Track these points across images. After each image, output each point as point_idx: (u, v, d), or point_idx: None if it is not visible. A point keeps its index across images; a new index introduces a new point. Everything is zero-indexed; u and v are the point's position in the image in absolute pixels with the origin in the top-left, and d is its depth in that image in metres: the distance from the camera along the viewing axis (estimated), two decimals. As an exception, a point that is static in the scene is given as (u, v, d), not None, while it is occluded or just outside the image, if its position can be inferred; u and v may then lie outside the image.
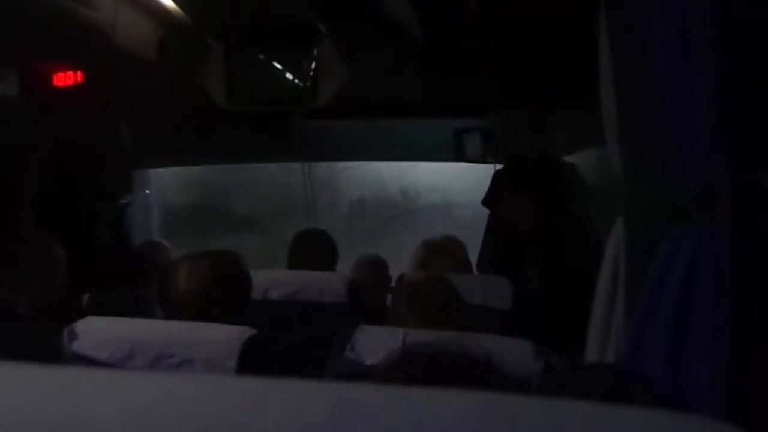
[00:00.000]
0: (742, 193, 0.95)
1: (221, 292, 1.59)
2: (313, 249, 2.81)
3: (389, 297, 3.00)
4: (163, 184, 4.59)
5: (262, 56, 3.27)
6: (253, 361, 1.38)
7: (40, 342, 1.48)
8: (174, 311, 1.56)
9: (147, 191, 4.34)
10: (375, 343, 1.34)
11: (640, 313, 1.01)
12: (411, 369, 0.77)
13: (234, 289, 1.65)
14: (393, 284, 3.23)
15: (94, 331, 1.37)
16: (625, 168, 1.22)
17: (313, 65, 3.27)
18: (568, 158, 3.47)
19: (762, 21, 1.12)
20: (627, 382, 0.81)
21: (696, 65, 1.09)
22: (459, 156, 3.74)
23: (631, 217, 1.20)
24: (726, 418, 0.85)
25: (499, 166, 3.55)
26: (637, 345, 0.99)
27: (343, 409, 0.29)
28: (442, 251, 2.65)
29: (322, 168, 4.53)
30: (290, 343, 2.04)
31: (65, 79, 2.76)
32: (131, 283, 2.59)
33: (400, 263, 2.87)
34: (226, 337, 1.38)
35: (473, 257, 3.18)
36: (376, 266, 3.21)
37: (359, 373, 1.29)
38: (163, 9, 2.67)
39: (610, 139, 1.31)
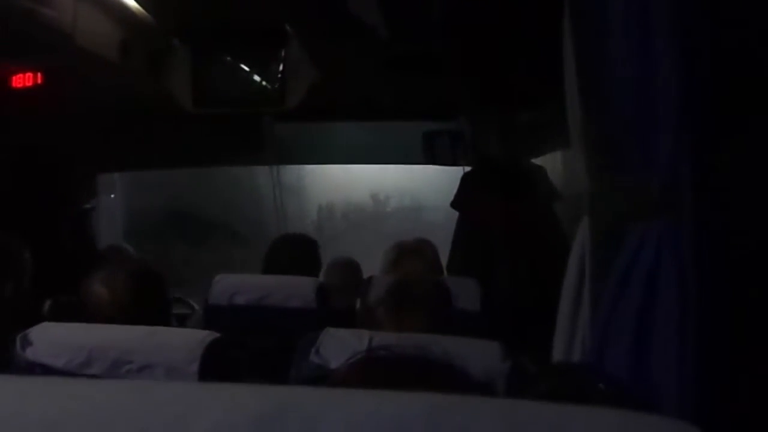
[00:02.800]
0: (704, 190, 0.95)
1: (138, 302, 1.59)
2: (293, 256, 2.73)
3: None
4: (129, 188, 4.52)
5: (228, 58, 3.23)
6: (216, 365, 1.35)
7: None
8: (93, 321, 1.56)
9: (112, 195, 4.27)
10: (340, 346, 1.32)
11: (605, 311, 1.01)
12: (371, 373, 0.75)
13: (151, 299, 1.65)
14: (365, 287, 3.20)
15: (49, 338, 1.33)
16: (590, 168, 1.22)
17: (281, 67, 3.24)
18: (535, 160, 3.49)
19: (723, 21, 1.13)
20: (589, 381, 0.81)
21: (658, 65, 1.10)
22: (428, 159, 3.74)
23: (596, 216, 1.20)
24: (689, 415, 0.85)
25: (468, 169, 3.56)
26: (602, 343, 0.99)
27: (278, 413, 0.27)
28: (413, 253, 2.65)
29: (291, 171, 4.50)
30: (256, 348, 2.01)
31: (24, 80, 2.69)
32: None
33: (371, 267, 2.86)
34: (187, 341, 1.34)
35: (444, 259, 3.18)
36: (349, 269, 3.18)
37: (324, 377, 1.26)
38: (126, 9, 2.62)
39: (575, 140, 1.32)
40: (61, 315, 2.04)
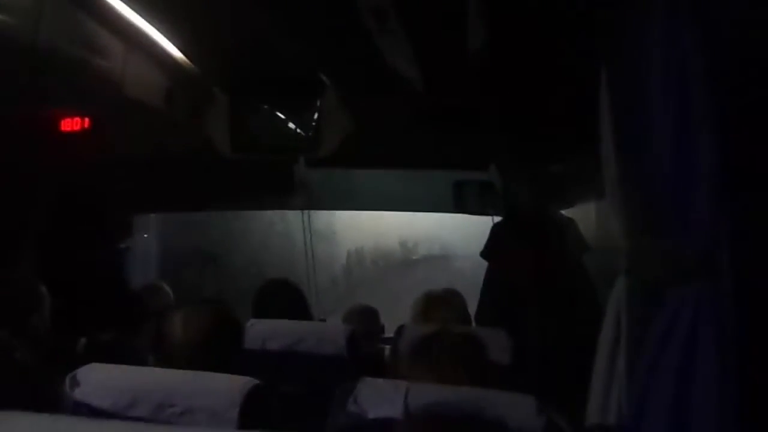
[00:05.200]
0: (742, 257, 0.96)
1: (215, 343, 1.62)
2: (282, 300, 2.76)
3: (383, 348, 2.99)
4: (163, 229, 4.60)
5: (266, 106, 3.33)
6: (255, 411, 1.37)
7: (40, 389, 1.47)
8: (167, 360, 1.59)
9: (145, 235, 4.35)
10: (378, 396, 1.34)
11: (642, 375, 1.02)
12: (417, 428, 0.78)
13: (227, 340, 1.68)
14: (385, 334, 3.22)
15: (96, 379, 1.36)
16: (627, 229, 1.24)
17: (316, 116, 3.32)
18: (566, 212, 3.50)
19: (760, 82, 1.15)
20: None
21: (696, 130, 1.12)
22: (458, 207, 3.77)
23: (632, 276, 1.21)
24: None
25: (497, 219, 3.58)
26: (640, 408, 0.99)
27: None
28: (442, 303, 2.66)
29: (322, 217, 4.55)
30: (290, 395, 2.02)
31: (72, 124, 2.80)
32: (127, 327, 2.59)
33: (400, 314, 2.87)
34: (228, 387, 1.37)
35: (472, 309, 3.18)
36: (367, 316, 3.20)
37: (361, 427, 1.28)
38: (171, 59, 2.73)
39: (612, 201, 1.34)
40: (95, 353, 2.08)
